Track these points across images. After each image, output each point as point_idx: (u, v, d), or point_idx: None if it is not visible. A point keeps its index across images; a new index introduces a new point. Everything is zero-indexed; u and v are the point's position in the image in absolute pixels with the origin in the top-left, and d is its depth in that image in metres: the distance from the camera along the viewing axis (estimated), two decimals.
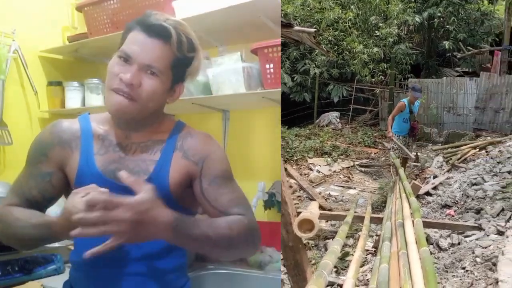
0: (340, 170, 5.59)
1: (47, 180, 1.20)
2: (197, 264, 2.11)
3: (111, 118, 1.24)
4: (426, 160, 5.67)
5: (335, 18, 6.59)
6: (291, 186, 4.75)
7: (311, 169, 5.52)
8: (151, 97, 1.16)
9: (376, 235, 3.18)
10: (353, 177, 5.40)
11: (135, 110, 1.14)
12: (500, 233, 2.59)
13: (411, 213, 1.93)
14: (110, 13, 2.38)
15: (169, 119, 1.30)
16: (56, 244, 2.08)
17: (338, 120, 7.70)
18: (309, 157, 5.88)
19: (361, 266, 2.66)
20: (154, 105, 1.19)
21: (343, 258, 3.01)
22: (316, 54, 7.01)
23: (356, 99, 7.99)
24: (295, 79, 7.38)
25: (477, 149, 5.41)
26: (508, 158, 4.57)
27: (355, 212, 2.58)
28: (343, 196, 4.68)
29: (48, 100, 2.70)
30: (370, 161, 6.02)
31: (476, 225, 2.66)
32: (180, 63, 1.20)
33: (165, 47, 1.15)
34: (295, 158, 5.82)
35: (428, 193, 4.19)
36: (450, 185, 4.28)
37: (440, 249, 2.70)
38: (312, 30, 2.32)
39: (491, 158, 4.72)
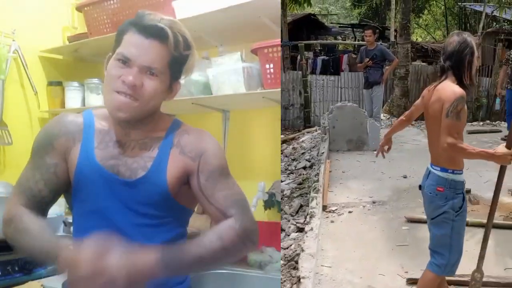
0: None
1: (52, 171, 1.20)
2: None
3: (110, 116, 1.25)
4: None
5: None
6: None
7: None
8: (152, 97, 1.18)
9: None
10: None
11: (137, 109, 1.17)
12: (300, 230, 2.65)
13: None
14: (110, 13, 2.38)
15: (166, 117, 1.32)
16: None
17: None
18: None
19: None
20: (154, 104, 1.22)
21: None
22: None
23: None
24: None
25: None
26: (303, 153, 4.60)
27: None
28: None
29: (48, 100, 2.71)
30: None
31: None
32: (177, 61, 1.22)
33: (162, 47, 1.17)
34: None
35: None
36: None
37: None
38: None
39: (286, 156, 4.72)
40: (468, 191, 3.34)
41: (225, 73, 2.05)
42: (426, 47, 9.53)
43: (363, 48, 5.10)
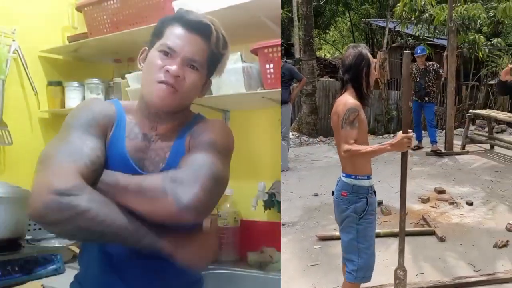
0: None
1: (100, 146, 1.13)
2: None
3: (139, 109, 1.26)
4: None
5: None
6: None
7: None
8: (191, 90, 1.22)
9: None
10: None
11: (177, 100, 1.19)
12: None
13: None
14: (110, 13, 2.38)
15: (192, 113, 1.35)
16: (56, 244, 2.08)
17: None
18: None
19: None
20: (191, 98, 1.26)
21: None
22: None
23: None
24: None
25: None
26: None
27: None
28: None
29: (48, 100, 2.70)
30: None
31: None
32: (214, 58, 1.26)
33: (204, 43, 1.21)
34: None
35: None
36: None
37: None
38: None
39: None
40: (380, 203, 3.35)
41: (225, 73, 2.03)
42: (334, 62, 9.63)
43: None
